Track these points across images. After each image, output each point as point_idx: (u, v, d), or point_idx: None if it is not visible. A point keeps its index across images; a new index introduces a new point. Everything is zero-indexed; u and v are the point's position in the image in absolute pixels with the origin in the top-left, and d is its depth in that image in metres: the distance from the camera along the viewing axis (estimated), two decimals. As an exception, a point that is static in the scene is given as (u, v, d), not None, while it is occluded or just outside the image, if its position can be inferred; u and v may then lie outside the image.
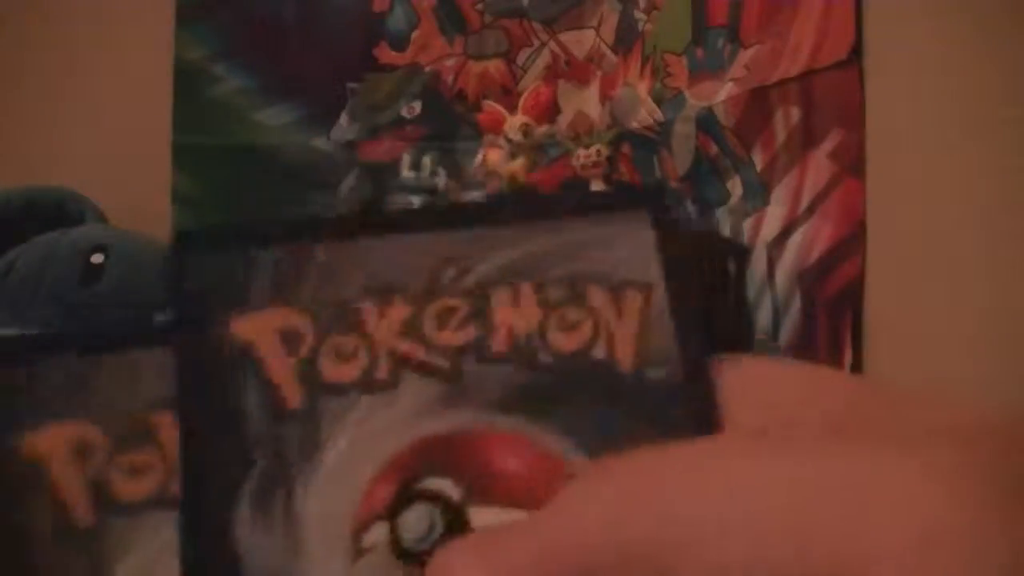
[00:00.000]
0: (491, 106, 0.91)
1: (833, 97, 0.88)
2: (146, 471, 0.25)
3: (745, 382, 0.24)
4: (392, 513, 0.24)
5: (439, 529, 0.23)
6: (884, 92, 0.87)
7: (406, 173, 0.94)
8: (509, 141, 0.88)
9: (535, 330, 0.25)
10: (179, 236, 0.26)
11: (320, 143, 0.97)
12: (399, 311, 0.25)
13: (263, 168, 0.97)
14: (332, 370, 0.25)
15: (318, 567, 0.23)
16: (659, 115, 0.91)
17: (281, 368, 0.25)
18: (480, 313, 0.25)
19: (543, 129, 0.90)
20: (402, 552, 0.23)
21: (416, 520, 0.24)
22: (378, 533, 0.24)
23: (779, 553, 0.17)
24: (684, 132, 0.90)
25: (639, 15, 0.93)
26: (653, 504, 0.19)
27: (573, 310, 0.25)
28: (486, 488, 0.24)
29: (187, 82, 0.98)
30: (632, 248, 0.26)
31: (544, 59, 0.94)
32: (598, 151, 0.89)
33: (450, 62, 0.95)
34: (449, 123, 0.95)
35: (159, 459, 0.25)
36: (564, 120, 0.92)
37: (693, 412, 0.24)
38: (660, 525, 0.19)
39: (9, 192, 0.86)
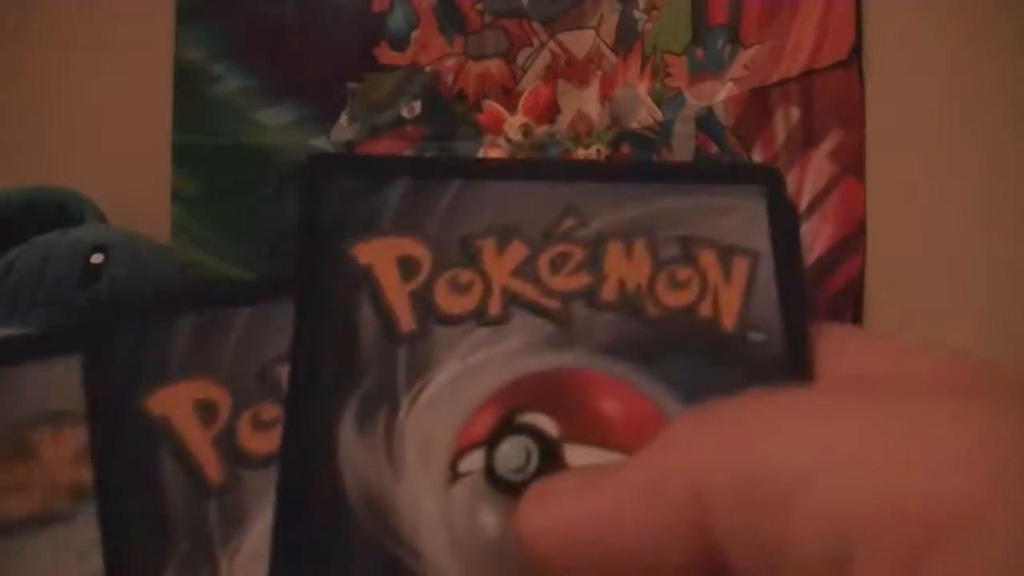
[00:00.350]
0: (491, 106, 0.91)
1: (833, 97, 0.88)
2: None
3: (838, 348, 0.24)
4: (490, 442, 0.24)
5: (535, 462, 0.24)
6: (884, 92, 0.87)
7: (406, 173, 0.94)
8: (509, 141, 0.88)
9: (645, 284, 0.26)
10: (312, 160, 0.27)
11: (320, 143, 0.97)
12: (516, 251, 0.26)
13: (263, 168, 0.97)
14: (448, 301, 0.25)
15: (416, 488, 0.24)
16: (659, 115, 0.91)
17: (396, 294, 0.25)
18: (593, 262, 0.26)
19: (543, 129, 0.90)
20: (496, 480, 0.24)
21: (513, 451, 0.24)
22: (475, 460, 0.24)
23: (882, 499, 0.17)
24: (684, 132, 0.90)
25: (639, 15, 0.93)
26: (761, 444, 0.19)
27: (683, 269, 0.27)
28: (584, 428, 0.24)
29: (187, 82, 0.98)
30: (744, 218, 0.27)
31: (544, 59, 0.94)
32: (598, 151, 0.89)
33: (450, 62, 0.95)
34: (449, 123, 0.95)
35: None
36: (564, 120, 0.92)
37: (792, 375, 0.25)
38: (769, 465, 0.19)
39: (9, 192, 0.86)
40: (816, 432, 0.19)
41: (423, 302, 0.25)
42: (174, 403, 0.25)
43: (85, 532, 0.24)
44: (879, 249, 0.86)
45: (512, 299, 0.26)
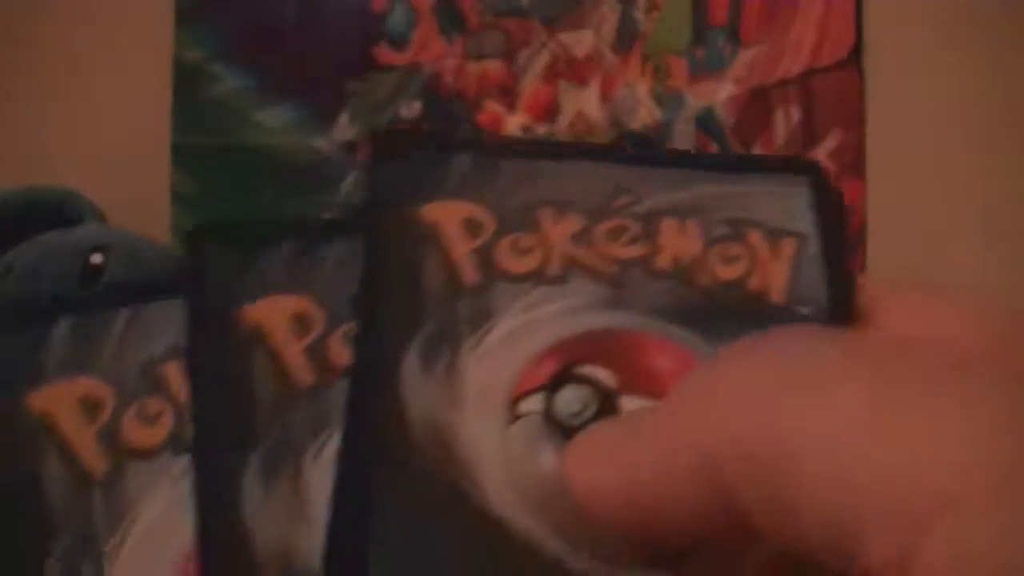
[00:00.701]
0: (491, 106, 0.91)
1: (833, 97, 0.88)
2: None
3: (879, 306, 0.25)
4: (550, 388, 0.26)
5: (591, 410, 0.25)
6: (884, 92, 0.87)
7: (406, 173, 0.94)
8: (509, 141, 0.88)
9: (698, 257, 0.27)
10: (381, 135, 0.29)
11: (320, 143, 0.96)
12: (573, 222, 0.28)
13: (263, 168, 0.97)
14: (509, 261, 0.27)
15: (475, 424, 0.25)
16: (659, 115, 0.91)
17: (462, 251, 0.27)
18: (648, 235, 0.28)
19: (543, 129, 0.90)
20: (554, 423, 0.25)
21: (571, 397, 0.25)
22: (534, 403, 0.26)
23: (891, 465, 0.17)
24: (684, 132, 0.90)
25: (639, 15, 0.93)
26: (769, 405, 0.19)
27: (733, 246, 0.28)
28: (639, 381, 0.26)
29: (187, 82, 0.98)
30: (790, 204, 0.29)
31: (544, 59, 0.94)
32: (598, 151, 0.89)
33: (450, 62, 0.95)
34: (449, 123, 0.95)
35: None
36: (564, 120, 0.92)
37: None
38: (777, 427, 0.19)
39: (9, 192, 0.86)
40: (827, 394, 0.19)
41: (486, 260, 0.27)
42: (56, 401, 0.26)
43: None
44: (879, 249, 0.86)
45: (570, 263, 0.27)
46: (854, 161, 0.87)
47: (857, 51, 0.88)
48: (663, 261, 0.27)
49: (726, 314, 0.27)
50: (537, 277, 0.27)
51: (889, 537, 0.16)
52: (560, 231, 0.27)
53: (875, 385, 0.18)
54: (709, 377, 0.21)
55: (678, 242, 0.27)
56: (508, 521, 0.24)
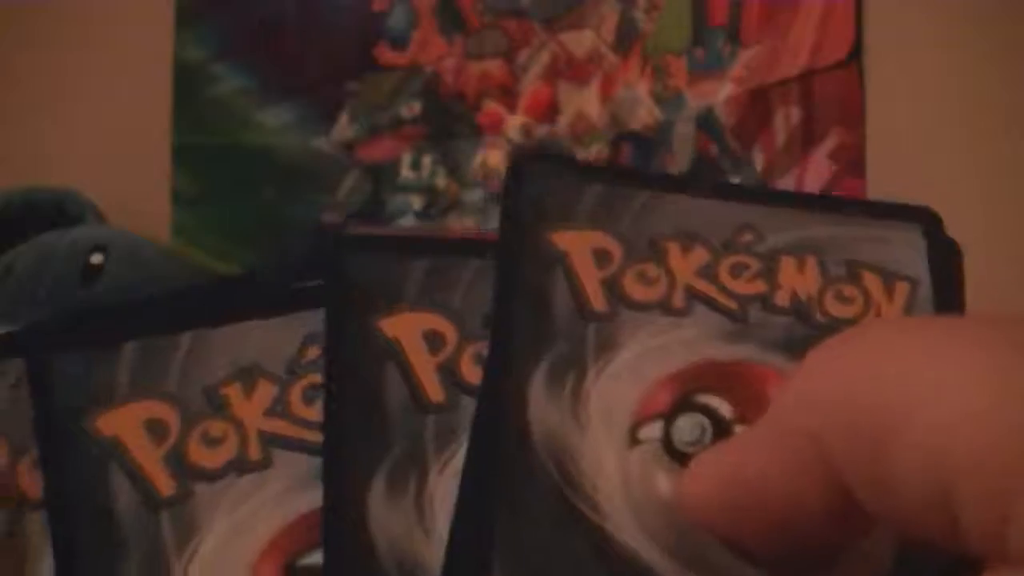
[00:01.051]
0: (491, 106, 0.91)
1: (833, 97, 0.88)
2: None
3: None
4: (669, 416, 0.27)
5: (708, 438, 0.26)
6: (884, 92, 0.87)
7: (406, 173, 0.94)
8: (509, 141, 0.88)
9: (815, 295, 0.29)
10: (521, 160, 0.30)
11: (320, 143, 0.97)
12: (699, 256, 0.29)
13: (263, 168, 0.97)
14: (635, 290, 0.28)
15: (597, 447, 0.26)
16: (659, 115, 0.91)
17: (589, 278, 0.28)
18: (769, 273, 0.30)
19: (543, 129, 0.90)
20: (672, 450, 0.26)
21: (690, 426, 0.26)
22: (654, 429, 0.27)
23: (983, 434, 0.17)
24: (684, 132, 0.90)
25: (639, 15, 0.93)
26: (864, 380, 0.19)
27: (849, 287, 0.30)
28: (755, 412, 0.26)
29: (187, 82, 0.98)
30: (904, 249, 0.30)
31: (544, 59, 0.94)
32: (598, 151, 0.89)
33: (450, 62, 0.95)
34: (449, 123, 0.95)
35: None
36: (564, 120, 0.92)
37: None
38: (872, 400, 0.19)
39: (9, 192, 0.86)
40: (921, 366, 0.19)
41: (613, 288, 0.28)
42: (123, 424, 0.26)
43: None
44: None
45: (694, 295, 0.28)
46: (854, 161, 0.87)
47: (857, 51, 0.88)
48: (782, 298, 0.28)
49: None
50: (661, 307, 0.28)
51: (982, 507, 0.16)
52: (685, 264, 0.28)
53: (979, 346, 0.18)
54: (807, 364, 0.22)
55: (797, 281, 0.28)
56: (625, 543, 0.25)
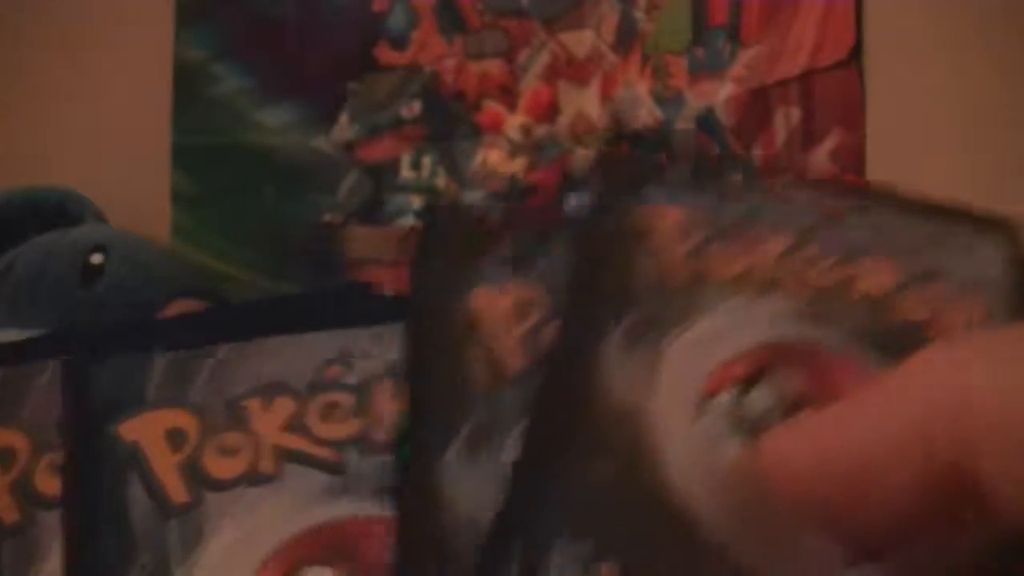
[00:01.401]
0: (491, 106, 0.91)
1: (833, 97, 0.88)
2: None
3: None
4: (742, 388, 0.27)
5: (779, 412, 0.27)
6: (884, 92, 0.87)
7: (406, 173, 0.94)
8: (509, 141, 0.88)
9: (888, 293, 0.30)
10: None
11: (320, 143, 0.97)
12: (782, 241, 0.30)
13: (263, 168, 0.97)
14: (719, 266, 0.29)
15: (667, 411, 0.26)
16: (659, 115, 0.91)
17: (675, 250, 0.29)
18: (846, 267, 0.29)
19: (543, 129, 0.90)
20: (741, 421, 0.27)
21: (761, 397, 0.27)
22: (724, 400, 0.27)
23: None
24: (684, 132, 0.90)
25: (639, 15, 0.93)
26: (957, 393, 0.19)
27: (923, 291, 0.30)
28: (825, 392, 0.27)
29: (187, 82, 0.98)
30: (983, 258, 0.31)
31: (544, 59, 0.94)
32: (598, 151, 0.89)
33: (450, 62, 0.95)
34: (449, 123, 0.95)
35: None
36: (564, 120, 0.92)
37: None
38: (964, 415, 0.18)
39: (9, 192, 0.86)
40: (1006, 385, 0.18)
41: (697, 261, 0.29)
42: (145, 431, 0.27)
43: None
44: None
45: (775, 277, 0.29)
46: (854, 161, 0.87)
47: (857, 51, 0.88)
48: (857, 292, 0.29)
49: (908, 350, 0.28)
50: (743, 284, 0.28)
51: None
52: (769, 248, 0.29)
53: None
54: (919, 356, 0.21)
55: (873, 277, 0.29)
56: (683, 505, 0.25)
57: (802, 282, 0.29)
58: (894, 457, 0.20)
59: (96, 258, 0.81)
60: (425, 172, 0.94)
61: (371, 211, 0.95)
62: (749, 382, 0.27)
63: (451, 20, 0.96)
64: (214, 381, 0.28)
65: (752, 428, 0.26)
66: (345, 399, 0.28)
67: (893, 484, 0.19)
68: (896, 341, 0.28)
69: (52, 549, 0.26)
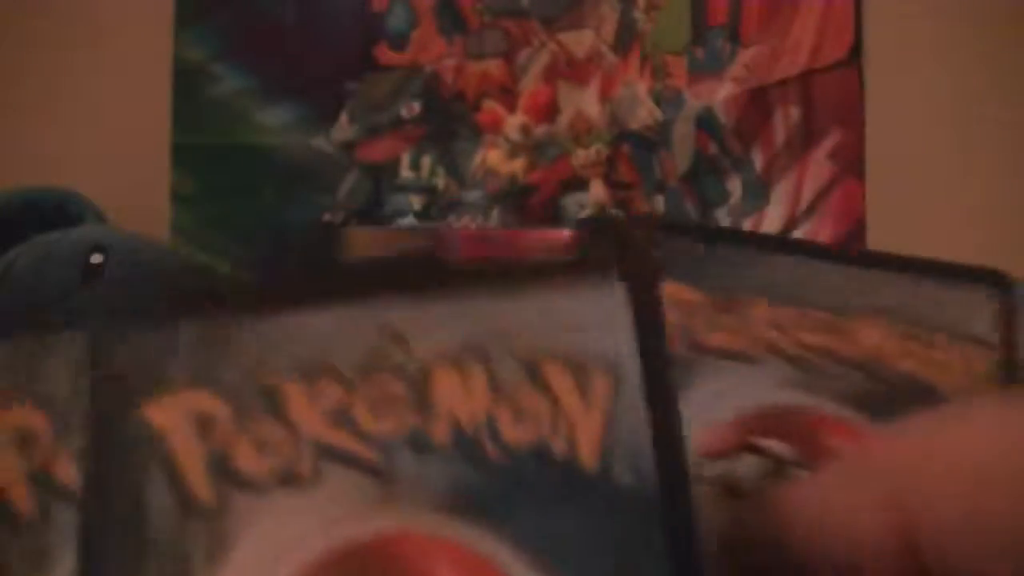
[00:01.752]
0: (491, 106, 0.91)
1: (833, 97, 0.88)
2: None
3: None
4: (734, 454, 0.27)
5: (768, 478, 0.27)
6: (884, 92, 0.87)
7: (405, 173, 0.94)
8: (509, 141, 0.88)
9: (882, 350, 0.30)
10: None
11: (320, 143, 0.97)
12: (776, 309, 0.30)
13: (263, 168, 0.97)
14: (712, 337, 0.29)
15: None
16: (659, 115, 0.91)
17: (671, 322, 0.29)
18: (839, 326, 0.30)
19: (542, 129, 0.90)
20: (732, 487, 0.27)
21: (752, 465, 0.27)
22: (718, 466, 0.27)
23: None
24: (684, 132, 0.90)
25: (639, 15, 0.93)
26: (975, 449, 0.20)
27: (917, 345, 0.30)
28: (816, 457, 0.27)
29: (187, 82, 0.98)
30: (974, 312, 0.31)
31: (544, 59, 0.94)
32: (597, 151, 0.89)
33: (450, 62, 0.95)
34: (449, 123, 0.95)
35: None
36: (564, 120, 0.92)
37: None
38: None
39: (9, 192, 0.86)
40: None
41: (691, 336, 0.30)
42: (172, 415, 0.24)
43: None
44: (878, 248, 0.86)
45: (768, 345, 0.29)
46: (854, 161, 0.87)
47: (856, 51, 0.88)
48: (850, 351, 0.29)
49: (901, 405, 0.28)
50: (735, 355, 0.29)
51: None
52: (762, 315, 0.29)
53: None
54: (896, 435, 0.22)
55: (866, 335, 0.29)
56: None
57: (794, 345, 0.29)
58: (857, 522, 0.22)
59: (96, 258, 0.81)
60: (425, 172, 0.94)
61: (371, 211, 0.95)
62: (740, 449, 0.27)
63: (451, 20, 0.96)
64: (248, 358, 0.24)
65: (740, 494, 0.26)
66: (399, 387, 0.24)
67: (862, 536, 0.21)
68: (891, 398, 0.29)
69: (67, 549, 0.23)
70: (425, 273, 0.24)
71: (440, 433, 0.23)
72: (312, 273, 0.25)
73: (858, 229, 0.86)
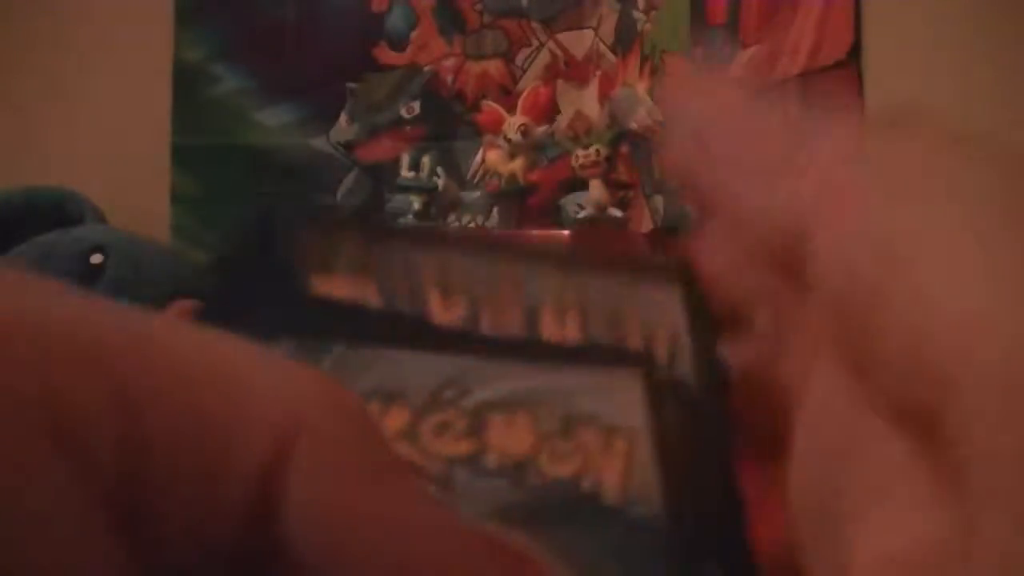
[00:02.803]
0: (490, 106, 0.91)
1: (833, 97, 0.88)
2: None
3: None
4: None
5: None
6: (884, 92, 0.87)
7: (405, 173, 0.94)
8: (508, 141, 0.88)
9: (527, 453, 0.28)
10: None
11: (320, 143, 0.97)
12: (403, 414, 0.29)
13: (263, 168, 0.97)
14: None
15: None
16: (658, 115, 0.91)
17: None
18: (476, 431, 0.29)
19: (542, 129, 0.90)
20: None
21: None
22: None
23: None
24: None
25: (638, 15, 0.93)
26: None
27: (565, 443, 0.29)
28: None
29: (187, 82, 0.98)
30: (622, 398, 0.29)
31: (543, 59, 0.94)
32: (597, 151, 0.89)
33: (449, 62, 0.95)
34: (448, 123, 0.95)
35: None
36: (563, 120, 0.92)
37: None
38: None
39: (9, 192, 0.86)
40: (939, 207, 0.17)
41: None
42: None
43: None
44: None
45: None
46: (853, 161, 0.87)
47: (856, 51, 0.88)
48: (491, 459, 0.26)
49: (557, 514, 0.25)
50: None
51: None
52: (392, 422, 0.26)
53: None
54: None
55: (507, 438, 0.26)
56: None
57: (430, 458, 0.26)
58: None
59: (96, 258, 0.81)
60: (424, 172, 0.94)
61: (371, 211, 0.95)
62: None
63: (450, 20, 0.96)
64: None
65: None
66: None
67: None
68: (540, 507, 0.26)
69: None
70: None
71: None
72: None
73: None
